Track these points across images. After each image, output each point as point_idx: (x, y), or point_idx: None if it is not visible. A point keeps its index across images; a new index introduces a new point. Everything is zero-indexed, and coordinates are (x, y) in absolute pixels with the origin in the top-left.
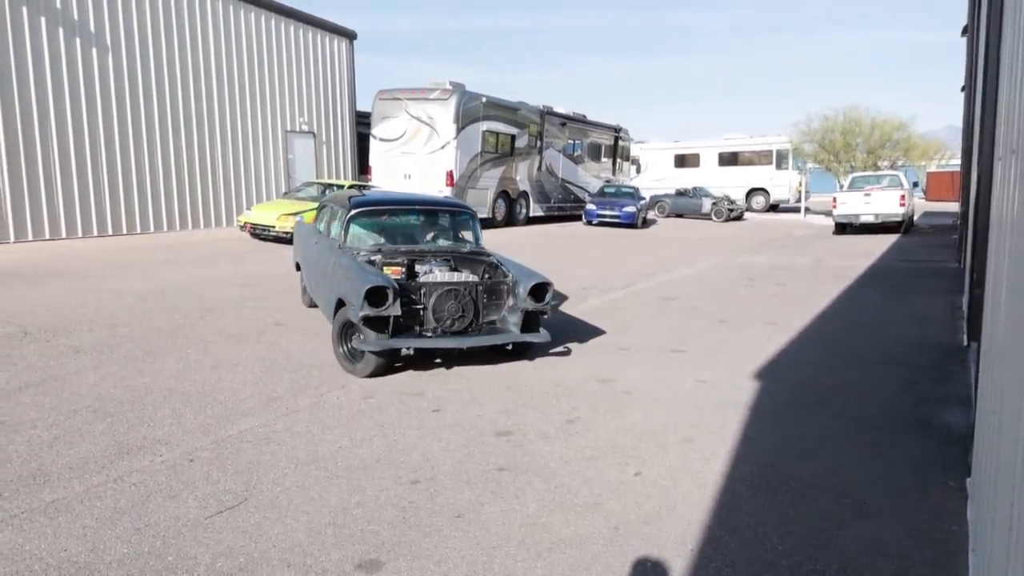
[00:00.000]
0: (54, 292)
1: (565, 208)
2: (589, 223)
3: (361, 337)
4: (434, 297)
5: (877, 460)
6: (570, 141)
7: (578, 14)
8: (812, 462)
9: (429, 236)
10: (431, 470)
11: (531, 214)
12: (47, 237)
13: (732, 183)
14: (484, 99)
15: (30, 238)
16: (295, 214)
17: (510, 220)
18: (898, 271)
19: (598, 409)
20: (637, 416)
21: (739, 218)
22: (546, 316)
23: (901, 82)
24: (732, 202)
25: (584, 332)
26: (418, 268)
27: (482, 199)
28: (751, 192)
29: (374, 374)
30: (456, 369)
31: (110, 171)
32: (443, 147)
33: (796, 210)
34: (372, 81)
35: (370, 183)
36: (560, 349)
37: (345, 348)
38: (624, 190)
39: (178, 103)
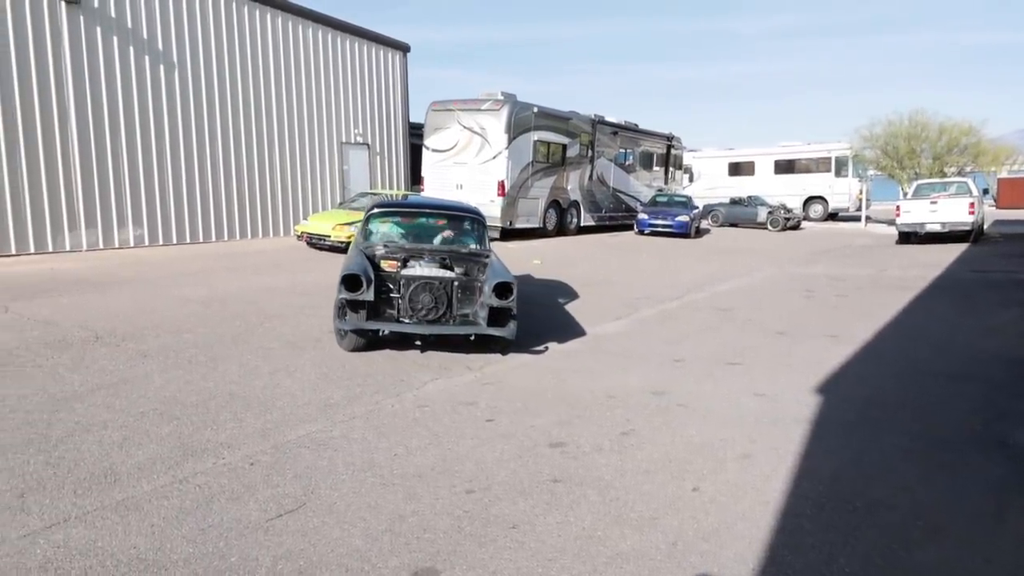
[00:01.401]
0: (123, 299)
1: (616, 218)
2: (641, 232)
3: (346, 318)
4: (411, 288)
5: (950, 480)
6: (622, 150)
7: (627, 21)
8: (879, 481)
9: (437, 236)
10: (485, 480)
11: (582, 223)
12: (116, 246)
13: (789, 191)
14: (535, 109)
15: (101, 247)
16: (350, 224)
17: (561, 230)
18: (968, 282)
19: (653, 422)
20: (693, 430)
21: (796, 227)
22: (513, 313)
23: (967, 85)
24: (789, 211)
25: (637, 343)
26: (411, 263)
27: (533, 209)
28: (809, 200)
29: (356, 349)
30: (509, 380)
31: (175, 182)
32: (494, 157)
33: (856, 219)
34: (424, 93)
35: (422, 194)
36: (539, 348)
37: (335, 326)
38: (676, 199)
39: (239, 116)
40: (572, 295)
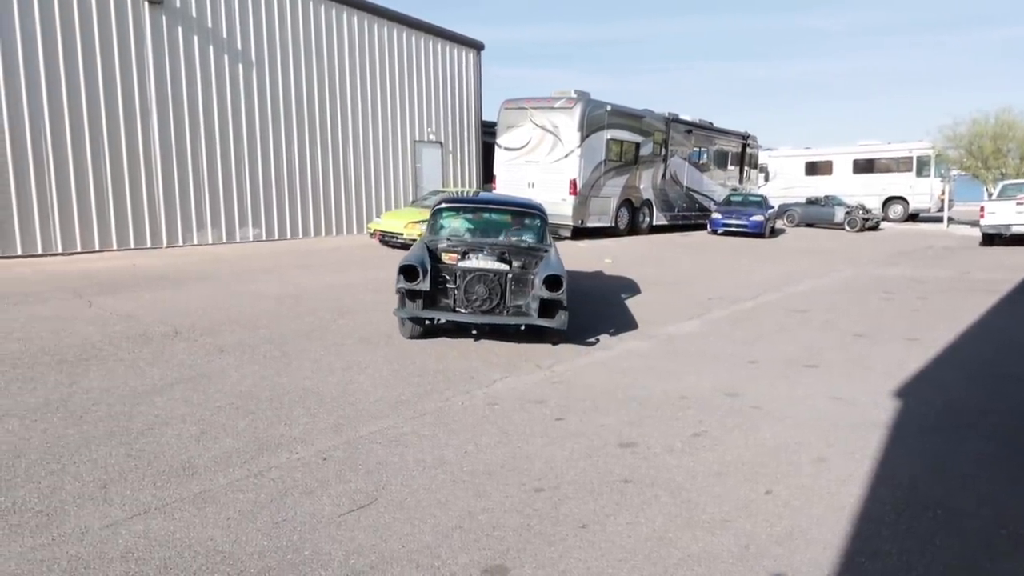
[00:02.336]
0: (201, 294)
1: (689, 217)
2: (714, 232)
3: (404, 307)
4: (466, 280)
5: None
6: (695, 149)
7: (708, 19)
8: (961, 488)
9: (499, 231)
10: (555, 479)
11: (654, 223)
12: (195, 243)
13: (868, 191)
14: (609, 107)
15: (179, 243)
16: (421, 222)
17: (633, 229)
18: None
19: (725, 424)
20: (767, 432)
21: (875, 228)
22: (564, 305)
23: None
24: (867, 211)
25: (709, 344)
26: (470, 256)
27: (605, 208)
28: (888, 201)
29: (412, 336)
30: (579, 378)
31: (251, 181)
32: (567, 156)
33: (938, 220)
34: (497, 91)
35: (493, 191)
36: (591, 340)
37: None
38: (751, 198)
39: (315, 115)
40: (643, 294)
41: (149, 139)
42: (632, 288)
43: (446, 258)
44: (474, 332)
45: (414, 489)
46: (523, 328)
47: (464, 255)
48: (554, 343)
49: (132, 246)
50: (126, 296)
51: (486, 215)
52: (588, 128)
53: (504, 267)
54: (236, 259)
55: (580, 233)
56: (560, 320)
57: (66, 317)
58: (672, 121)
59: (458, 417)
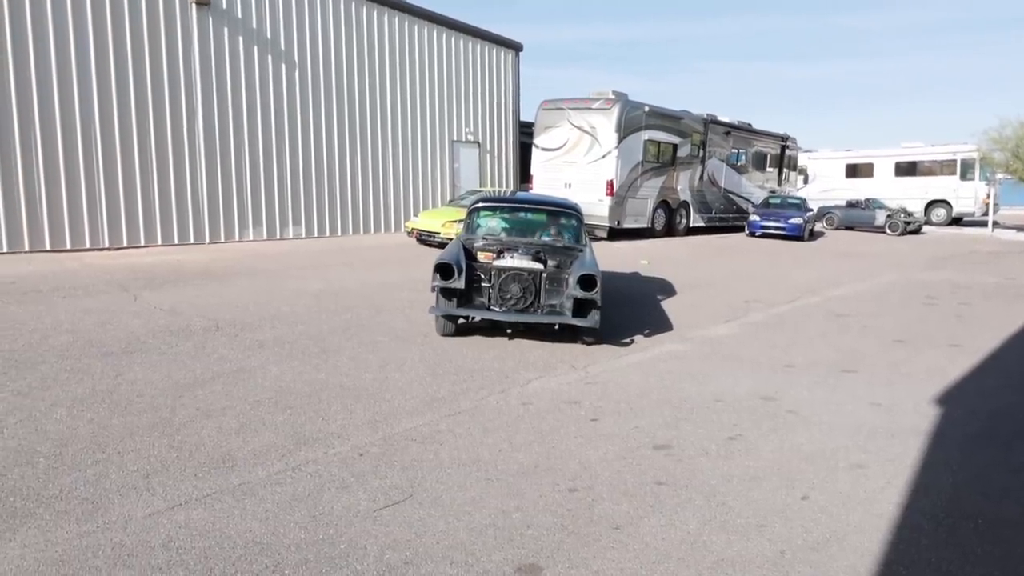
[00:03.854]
0: (242, 290)
1: (727, 219)
2: (752, 234)
3: (440, 304)
4: (501, 279)
5: None
6: (734, 150)
7: (737, 18)
8: (1005, 499)
9: (535, 230)
10: (589, 479)
11: (691, 224)
12: (236, 239)
13: (909, 195)
14: (646, 108)
15: (222, 240)
16: (459, 221)
17: (670, 230)
18: None
19: (761, 427)
20: (803, 437)
21: (917, 232)
22: (597, 304)
23: None
24: (909, 214)
25: (746, 347)
26: (505, 255)
27: (641, 209)
28: (931, 204)
29: (446, 334)
30: (614, 379)
31: (294, 179)
32: (604, 156)
33: (983, 224)
34: (536, 91)
35: (530, 191)
36: (625, 340)
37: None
38: (790, 201)
39: (355, 115)
40: (679, 296)
41: (195, 138)
42: (668, 289)
43: (482, 257)
44: (508, 330)
45: (449, 486)
46: (557, 327)
47: (499, 254)
48: (587, 343)
49: (176, 242)
50: (170, 291)
51: (522, 214)
52: (626, 129)
53: (539, 266)
54: (278, 256)
55: (616, 234)
56: (593, 319)
57: (112, 310)
58: (710, 122)
59: (493, 416)
